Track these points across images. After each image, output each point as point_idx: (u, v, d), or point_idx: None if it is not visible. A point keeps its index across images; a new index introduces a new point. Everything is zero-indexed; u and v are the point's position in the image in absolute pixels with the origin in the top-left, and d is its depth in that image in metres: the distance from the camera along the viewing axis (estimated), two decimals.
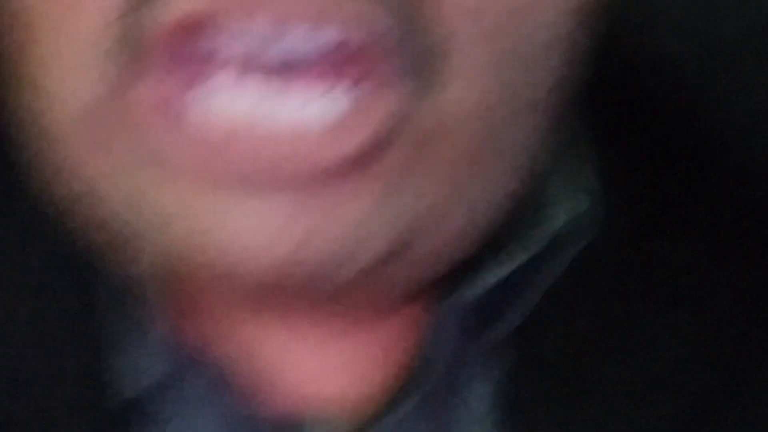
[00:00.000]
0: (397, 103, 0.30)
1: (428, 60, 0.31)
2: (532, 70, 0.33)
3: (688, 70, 0.45)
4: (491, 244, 0.37)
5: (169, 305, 0.36)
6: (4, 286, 0.37)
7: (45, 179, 0.34)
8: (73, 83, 0.31)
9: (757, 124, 0.45)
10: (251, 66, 0.30)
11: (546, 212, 0.39)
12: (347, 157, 0.30)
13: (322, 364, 0.37)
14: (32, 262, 0.37)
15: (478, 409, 0.37)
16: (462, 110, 0.32)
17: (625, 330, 0.38)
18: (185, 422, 0.36)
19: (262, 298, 0.34)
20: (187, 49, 0.30)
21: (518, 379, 0.37)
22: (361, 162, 0.30)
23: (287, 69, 0.30)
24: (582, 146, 0.41)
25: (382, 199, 0.31)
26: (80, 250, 0.36)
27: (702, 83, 0.45)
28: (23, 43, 0.33)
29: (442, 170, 0.32)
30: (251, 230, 0.30)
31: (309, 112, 0.30)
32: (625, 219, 0.40)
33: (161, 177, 0.31)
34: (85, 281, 0.37)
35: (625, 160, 0.41)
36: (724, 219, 0.41)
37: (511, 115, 0.33)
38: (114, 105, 0.31)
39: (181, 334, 0.36)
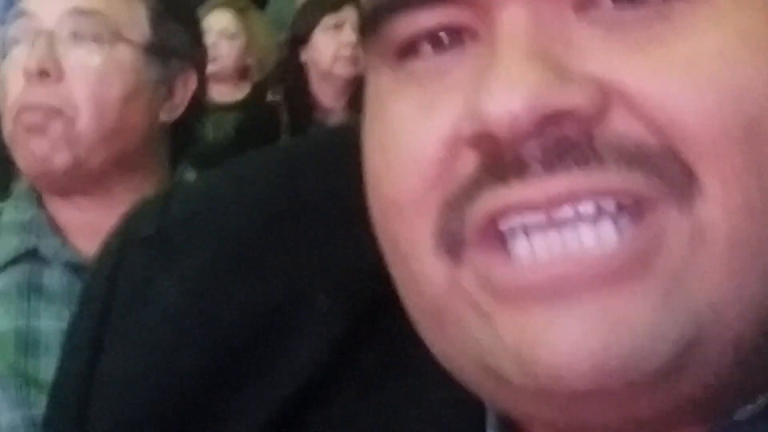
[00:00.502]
0: (662, 220, 0.40)
1: (684, 182, 0.40)
2: None
3: None
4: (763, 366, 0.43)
5: None
6: (418, 422, 0.49)
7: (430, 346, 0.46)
8: (423, 270, 0.43)
9: None
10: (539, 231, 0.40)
11: None
12: (628, 260, 0.39)
13: None
14: (437, 407, 0.49)
15: None
16: (716, 220, 0.40)
17: None
18: None
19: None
20: (493, 229, 0.41)
21: None
22: (639, 266, 0.39)
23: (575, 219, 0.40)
24: None
25: (663, 299, 0.39)
26: (470, 395, 0.46)
27: None
28: (389, 236, 0.45)
29: (709, 273, 0.40)
30: (568, 336, 0.39)
31: (588, 236, 0.40)
32: None
33: (497, 320, 0.41)
34: (477, 418, 0.48)
35: None
36: None
37: (760, 219, 0.40)
38: (452, 288, 0.42)
39: None
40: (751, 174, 0.40)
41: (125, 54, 1.19)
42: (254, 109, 2.95)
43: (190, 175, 1.32)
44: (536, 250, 0.40)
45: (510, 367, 0.41)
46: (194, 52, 1.27)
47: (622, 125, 0.40)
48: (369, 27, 0.45)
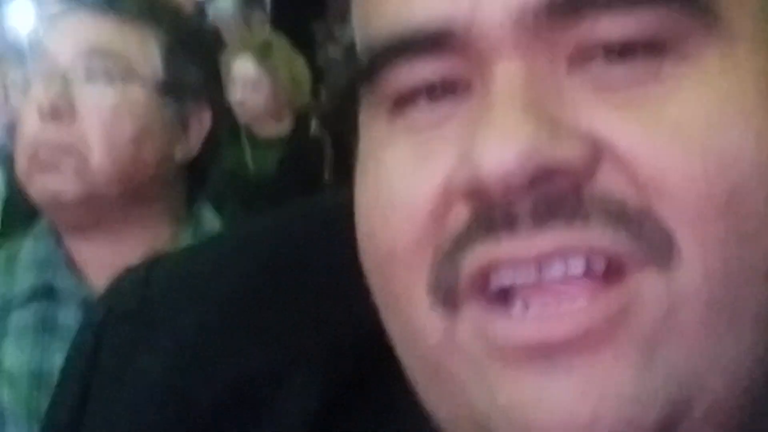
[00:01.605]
0: (640, 282, 0.40)
1: (664, 247, 0.40)
2: (753, 244, 0.40)
3: None
4: None
5: None
6: None
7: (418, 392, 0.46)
8: (419, 324, 0.43)
9: None
10: (530, 290, 0.41)
11: None
12: (604, 322, 0.40)
13: None
14: None
15: None
16: (694, 285, 0.40)
17: None
18: None
19: None
20: (485, 284, 0.41)
21: None
22: (616, 328, 0.40)
23: (556, 283, 0.41)
24: None
25: (643, 363, 0.40)
26: None
27: None
28: (384, 290, 0.45)
29: (687, 339, 0.40)
30: (560, 403, 0.40)
31: (575, 303, 0.40)
32: None
33: (492, 376, 0.41)
34: None
35: None
36: None
37: (739, 285, 0.40)
38: (448, 342, 0.42)
39: None
40: (731, 241, 0.40)
41: (138, 93, 1.20)
42: (296, 143, 2.97)
43: (207, 211, 1.32)
44: (529, 309, 0.41)
45: (502, 428, 0.41)
46: (209, 89, 1.28)
47: (609, 182, 0.41)
48: (365, 77, 0.45)
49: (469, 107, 0.43)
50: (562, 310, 0.40)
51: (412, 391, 0.47)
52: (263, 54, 3.11)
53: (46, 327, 1.22)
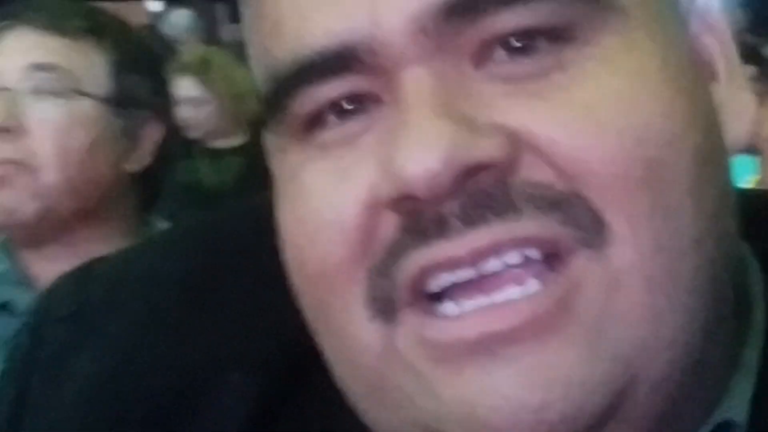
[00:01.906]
0: (578, 267, 0.40)
1: (595, 228, 0.40)
2: (679, 214, 0.41)
3: None
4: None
5: None
6: None
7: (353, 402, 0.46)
8: (357, 337, 0.43)
9: None
10: (471, 287, 0.41)
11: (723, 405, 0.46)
12: (551, 308, 0.40)
13: None
14: None
15: None
16: (629, 261, 0.40)
17: None
18: None
19: None
20: (422, 290, 0.42)
21: None
22: (561, 314, 0.40)
23: (496, 276, 0.41)
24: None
25: (588, 348, 0.40)
26: None
27: None
28: (316, 309, 0.46)
29: (629, 317, 0.40)
30: (505, 395, 0.40)
31: (514, 293, 0.41)
32: None
33: (432, 375, 0.41)
34: None
35: None
36: None
37: (671, 257, 0.41)
38: (388, 353, 0.42)
39: None
40: (657, 214, 0.41)
41: (86, 107, 1.21)
42: (253, 152, 2.96)
43: (160, 223, 1.33)
44: (464, 307, 0.41)
45: (451, 426, 0.41)
46: (158, 102, 1.29)
47: (533, 172, 0.41)
48: (273, 105, 0.45)
49: (381, 119, 0.43)
50: (504, 302, 0.40)
51: (337, 414, 0.47)
52: (201, 72, 3.05)
53: (1, 342, 1.22)
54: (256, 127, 3.16)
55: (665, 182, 0.41)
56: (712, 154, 0.44)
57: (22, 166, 1.18)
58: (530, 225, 0.41)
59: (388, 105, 0.43)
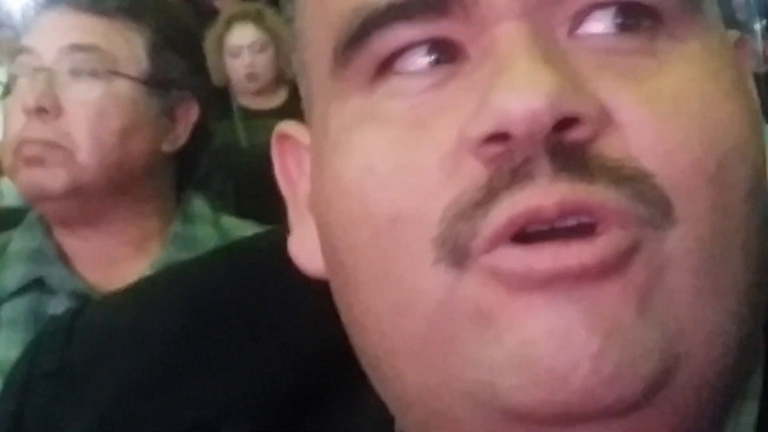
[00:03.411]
0: (634, 236, 0.40)
1: (661, 209, 0.41)
2: (734, 215, 0.42)
3: None
4: None
5: None
6: None
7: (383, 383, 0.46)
8: (419, 285, 0.42)
9: None
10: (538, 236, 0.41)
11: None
12: (601, 261, 0.40)
13: None
14: None
15: None
16: (685, 248, 0.41)
17: None
18: None
19: None
20: (505, 239, 0.40)
21: None
22: (613, 268, 0.40)
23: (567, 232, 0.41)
24: None
25: (640, 307, 0.40)
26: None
27: None
28: (374, 262, 0.44)
29: (675, 300, 0.41)
30: (568, 328, 0.39)
31: (575, 245, 0.40)
32: None
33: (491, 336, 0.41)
34: None
35: None
36: None
37: (722, 254, 0.42)
38: (451, 300, 0.41)
39: None
40: (718, 211, 0.42)
41: (123, 88, 1.20)
42: (290, 115, 2.95)
43: (196, 199, 1.32)
44: (542, 248, 0.40)
45: (507, 375, 0.40)
46: (195, 82, 1.27)
47: (612, 146, 0.41)
48: (350, 46, 0.44)
49: (469, 72, 0.43)
50: (575, 243, 0.40)
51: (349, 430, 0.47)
52: (259, 19, 3.09)
53: (37, 319, 1.23)
54: (294, 90, 3.17)
55: (728, 183, 0.42)
56: (764, 176, 0.45)
57: (58, 147, 1.18)
58: (604, 192, 0.40)
59: (478, 59, 0.42)
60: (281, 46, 3.12)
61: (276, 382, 0.49)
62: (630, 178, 0.41)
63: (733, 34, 0.50)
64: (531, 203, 0.40)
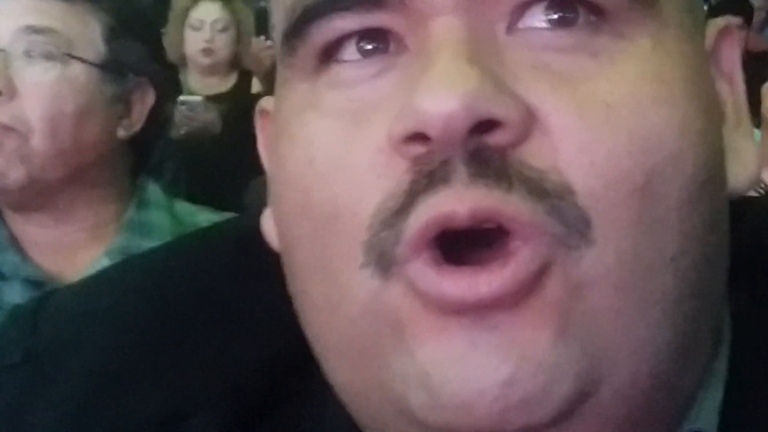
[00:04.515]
0: (545, 256, 0.39)
1: (579, 225, 0.39)
2: (662, 229, 0.40)
3: None
4: None
5: None
6: None
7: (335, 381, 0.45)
8: (347, 286, 0.42)
9: None
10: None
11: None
12: (514, 287, 0.39)
13: None
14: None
15: None
16: (605, 267, 0.39)
17: None
18: None
19: None
20: (428, 242, 0.40)
21: None
22: (527, 290, 0.39)
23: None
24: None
25: (558, 331, 0.39)
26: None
27: None
28: (313, 255, 0.44)
29: (596, 319, 0.40)
30: (481, 365, 0.39)
31: (486, 273, 0.39)
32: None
33: (410, 350, 0.40)
34: None
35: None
36: None
37: (647, 270, 0.40)
38: (375, 306, 0.41)
39: None
40: (643, 225, 0.40)
41: (79, 71, 1.19)
42: (239, 100, 2.94)
43: (150, 185, 1.31)
44: (455, 274, 0.40)
45: (416, 392, 0.40)
46: (152, 68, 1.26)
47: (534, 154, 0.40)
48: (293, 33, 0.44)
49: (404, 64, 0.42)
50: (488, 266, 0.39)
51: (318, 420, 0.47)
52: (227, 1, 3.12)
53: None
54: (244, 76, 3.17)
55: (658, 194, 0.40)
56: (710, 182, 0.43)
57: (10, 130, 1.16)
58: (521, 204, 0.39)
59: (414, 51, 0.42)
60: (242, 31, 3.13)
61: (246, 373, 0.49)
62: (549, 194, 0.39)
63: (720, 21, 0.48)
64: (444, 209, 0.39)
